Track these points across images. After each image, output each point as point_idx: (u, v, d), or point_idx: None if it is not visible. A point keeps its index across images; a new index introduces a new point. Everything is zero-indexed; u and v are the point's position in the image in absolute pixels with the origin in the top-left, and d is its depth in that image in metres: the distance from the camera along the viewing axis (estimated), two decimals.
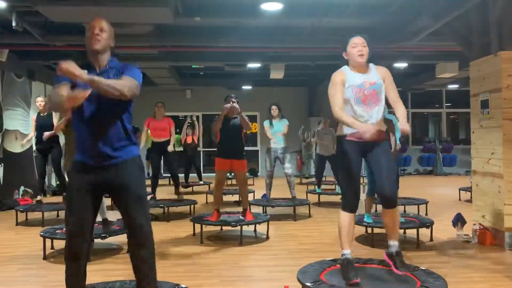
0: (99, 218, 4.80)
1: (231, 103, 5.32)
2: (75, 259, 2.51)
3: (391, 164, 3.23)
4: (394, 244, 3.24)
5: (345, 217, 3.21)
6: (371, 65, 3.25)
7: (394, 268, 3.17)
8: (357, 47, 3.15)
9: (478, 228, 4.98)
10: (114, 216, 5.30)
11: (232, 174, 6.71)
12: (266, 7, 6.16)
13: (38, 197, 6.98)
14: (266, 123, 7.30)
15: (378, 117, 3.16)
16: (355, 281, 3.04)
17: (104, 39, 2.54)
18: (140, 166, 2.63)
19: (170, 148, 7.08)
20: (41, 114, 6.73)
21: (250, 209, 5.93)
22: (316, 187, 8.63)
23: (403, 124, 3.05)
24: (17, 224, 6.34)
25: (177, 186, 7.48)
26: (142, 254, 2.57)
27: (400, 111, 3.16)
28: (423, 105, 15.49)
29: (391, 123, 5.26)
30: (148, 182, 5.83)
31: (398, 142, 5.87)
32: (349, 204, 3.22)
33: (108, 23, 2.60)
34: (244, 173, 5.59)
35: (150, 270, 2.61)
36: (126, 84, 2.42)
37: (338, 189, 8.41)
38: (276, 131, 7.14)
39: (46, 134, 6.38)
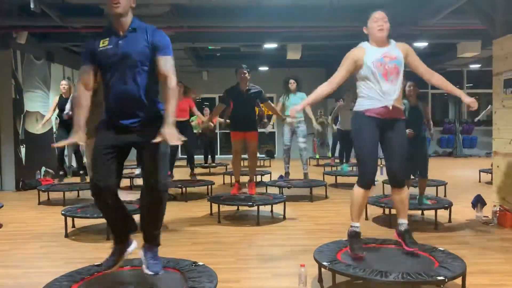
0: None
1: (242, 74, 5.48)
2: (106, 201, 2.58)
3: (404, 144, 3.21)
4: (403, 222, 3.25)
5: (358, 193, 3.20)
6: (391, 41, 3.22)
7: (404, 246, 3.18)
8: (378, 21, 3.12)
9: (498, 210, 4.91)
10: (129, 196, 5.37)
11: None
12: None
13: (56, 180, 7.11)
14: (281, 99, 7.23)
15: (398, 94, 3.12)
16: (359, 255, 3.06)
17: (124, 1, 2.44)
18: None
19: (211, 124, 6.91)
20: (64, 97, 6.90)
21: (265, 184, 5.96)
22: (344, 165, 8.48)
23: (466, 97, 3.10)
24: (39, 203, 6.51)
25: (192, 170, 7.49)
26: (154, 199, 2.60)
27: (446, 83, 3.17)
28: None
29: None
30: None
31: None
32: (365, 180, 3.18)
33: None
34: (255, 144, 5.63)
35: (158, 216, 2.67)
36: (174, 86, 2.50)
37: (344, 167, 8.33)
38: (293, 104, 7.07)
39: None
